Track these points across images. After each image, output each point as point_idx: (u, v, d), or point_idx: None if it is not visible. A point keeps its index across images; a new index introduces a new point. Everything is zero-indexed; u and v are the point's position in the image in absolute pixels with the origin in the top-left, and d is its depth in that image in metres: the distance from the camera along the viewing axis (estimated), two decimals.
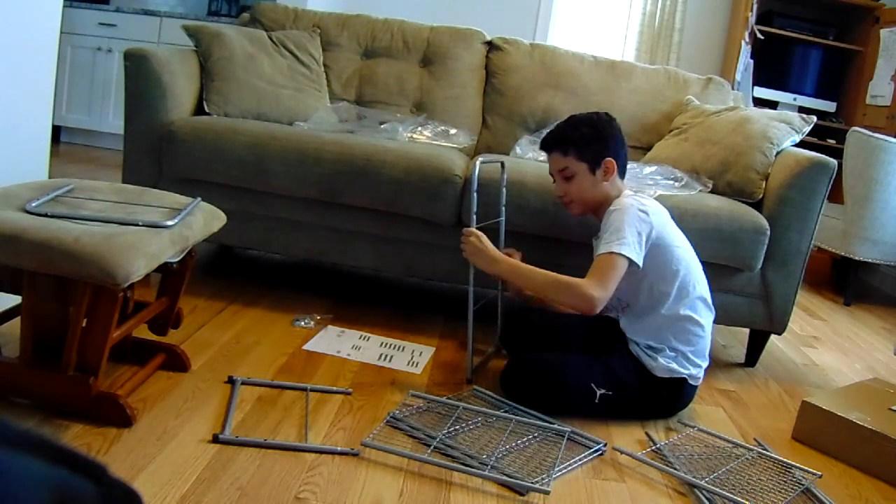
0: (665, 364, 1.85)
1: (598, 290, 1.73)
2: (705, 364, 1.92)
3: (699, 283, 1.91)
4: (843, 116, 4.63)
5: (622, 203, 1.84)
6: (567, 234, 2.17)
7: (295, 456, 1.48)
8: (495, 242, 1.97)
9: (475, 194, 1.97)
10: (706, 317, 1.92)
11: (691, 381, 1.89)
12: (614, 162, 1.92)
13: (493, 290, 2.22)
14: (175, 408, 1.60)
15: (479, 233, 1.91)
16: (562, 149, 1.92)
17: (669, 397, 1.89)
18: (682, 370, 1.86)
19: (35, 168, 2.00)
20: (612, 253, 1.75)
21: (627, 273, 1.77)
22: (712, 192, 2.34)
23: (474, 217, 1.97)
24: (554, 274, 1.82)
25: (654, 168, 2.37)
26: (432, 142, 2.54)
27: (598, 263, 1.77)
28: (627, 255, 1.75)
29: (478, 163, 1.99)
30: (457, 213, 2.24)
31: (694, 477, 1.59)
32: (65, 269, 1.35)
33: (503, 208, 2.14)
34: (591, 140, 1.91)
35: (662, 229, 1.85)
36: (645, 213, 1.82)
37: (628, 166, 2.24)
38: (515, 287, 2.08)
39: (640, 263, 1.78)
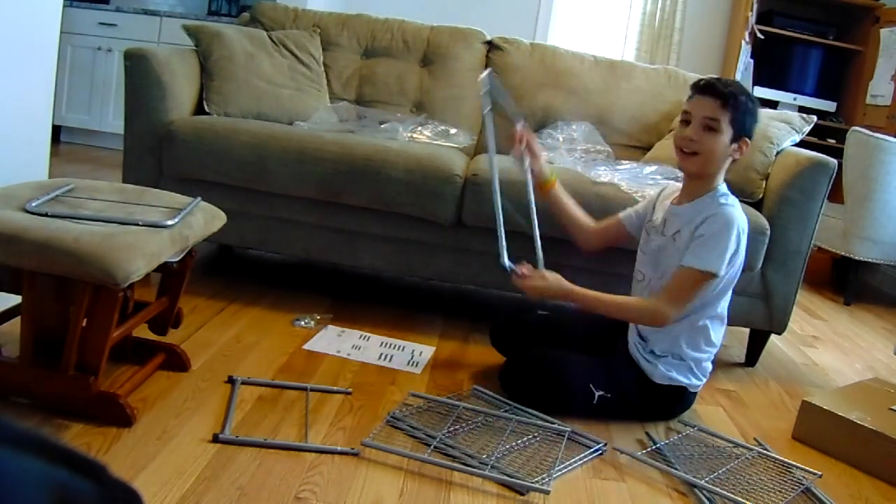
0: (665, 371, 1.84)
1: (674, 311, 1.75)
2: (705, 380, 1.91)
3: (726, 302, 1.89)
4: (843, 116, 4.62)
5: (727, 214, 1.77)
6: (567, 235, 2.17)
7: (295, 456, 1.48)
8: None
9: (501, 219, 1.88)
10: (719, 335, 1.90)
11: (691, 389, 1.89)
12: (749, 144, 1.82)
13: (494, 289, 2.22)
14: (175, 407, 1.60)
15: (536, 270, 1.88)
16: (723, 101, 1.77)
17: (668, 403, 1.89)
18: (681, 379, 1.85)
19: (35, 168, 1.99)
20: (699, 270, 1.73)
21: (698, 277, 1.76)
22: None
23: (503, 243, 1.86)
24: (626, 299, 1.84)
25: (654, 168, 2.37)
26: (432, 142, 2.54)
27: (682, 279, 1.75)
28: (715, 272, 1.73)
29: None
30: (457, 213, 2.24)
31: (694, 477, 1.59)
32: (65, 268, 1.35)
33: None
34: (747, 113, 1.79)
35: (737, 255, 1.81)
36: (742, 233, 1.79)
37: (629, 166, 2.25)
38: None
39: (721, 275, 1.76)
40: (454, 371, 2.02)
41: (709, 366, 1.91)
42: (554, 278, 1.86)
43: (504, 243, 1.86)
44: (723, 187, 1.85)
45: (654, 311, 1.77)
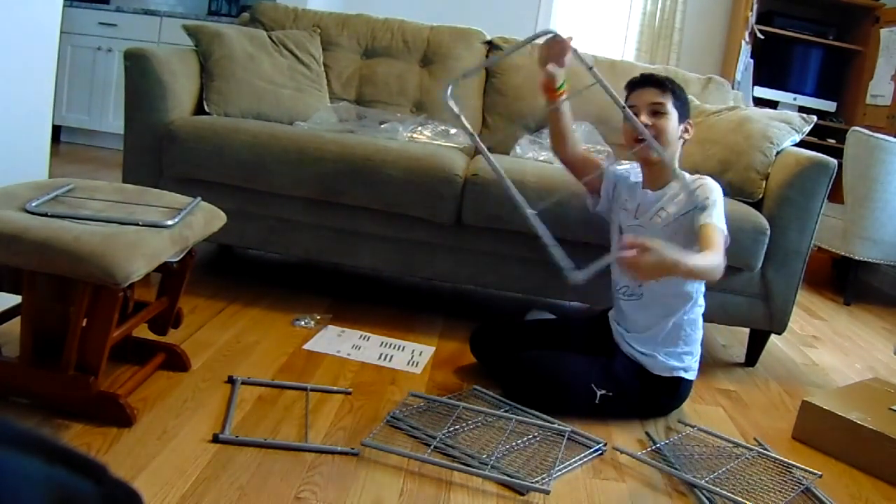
0: (665, 361, 1.86)
1: (723, 261, 1.71)
2: (697, 366, 1.93)
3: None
4: (843, 116, 4.62)
5: (709, 182, 1.84)
6: (567, 234, 2.16)
7: (295, 456, 1.48)
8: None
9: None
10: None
11: (689, 376, 1.90)
12: (693, 126, 1.95)
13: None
14: (175, 407, 1.60)
15: (643, 240, 1.47)
16: (661, 87, 1.90)
17: (668, 395, 1.90)
18: (680, 365, 1.88)
19: (35, 168, 2.00)
20: (719, 228, 1.74)
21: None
22: None
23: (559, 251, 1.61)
24: (705, 260, 1.65)
25: None
26: (432, 142, 2.54)
27: (712, 232, 1.72)
28: (726, 233, 1.76)
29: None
30: (457, 213, 2.23)
31: (694, 477, 1.59)
32: (65, 268, 1.35)
33: None
34: (684, 99, 1.95)
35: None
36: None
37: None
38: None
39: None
40: (454, 371, 2.02)
41: (699, 349, 1.94)
42: (659, 246, 1.48)
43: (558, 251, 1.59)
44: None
45: (720, 263, 1.69)
